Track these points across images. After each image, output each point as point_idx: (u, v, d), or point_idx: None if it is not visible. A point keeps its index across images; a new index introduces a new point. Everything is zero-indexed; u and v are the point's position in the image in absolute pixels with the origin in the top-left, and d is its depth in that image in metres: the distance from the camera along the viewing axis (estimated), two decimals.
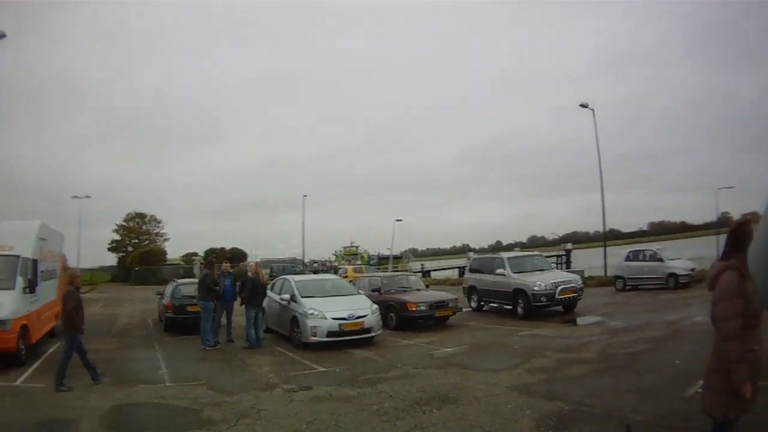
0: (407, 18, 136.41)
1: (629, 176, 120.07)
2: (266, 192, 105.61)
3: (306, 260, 46.27)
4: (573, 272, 18.37)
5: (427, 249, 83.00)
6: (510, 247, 47.42)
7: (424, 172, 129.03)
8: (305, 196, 43.17)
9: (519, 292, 11.97)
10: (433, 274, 41.63)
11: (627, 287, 17.17)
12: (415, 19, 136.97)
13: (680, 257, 17.63)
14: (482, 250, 35.72)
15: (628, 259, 17.62)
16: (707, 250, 24.14)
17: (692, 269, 16.43)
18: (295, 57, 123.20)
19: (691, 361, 6.04)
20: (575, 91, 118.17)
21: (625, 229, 73.57)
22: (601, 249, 24.74)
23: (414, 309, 10.86)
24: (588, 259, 27.46)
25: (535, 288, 11.60)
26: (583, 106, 23.53)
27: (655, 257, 16.78)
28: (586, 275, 21.27)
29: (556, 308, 12.15)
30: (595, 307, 13.05)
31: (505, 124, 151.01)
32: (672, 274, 15.98)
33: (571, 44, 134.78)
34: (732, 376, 2.40)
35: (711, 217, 39.79)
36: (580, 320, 11.54)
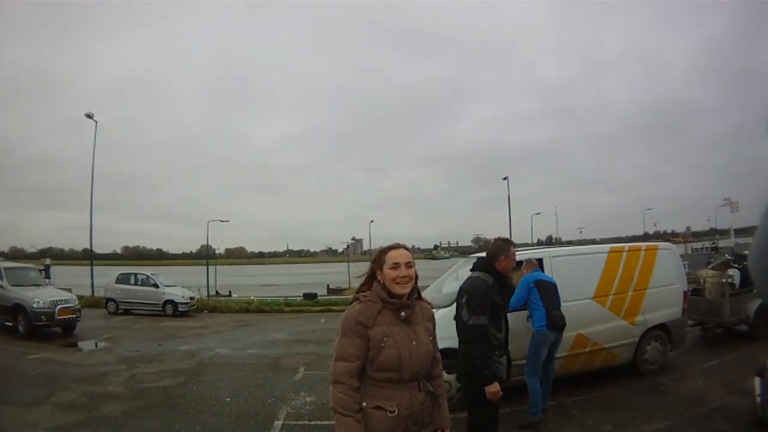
0: None
1: (107, 198, 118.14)
2: None
3: None
4: (63, 290, 15.02)
5: None
6: None
7: None
8: None
9: (18, 308, 10.41)
10: None
11: (120, 311, 15.70)
12: None
13: (176, 285, 17.70)
14: None
15: (118, 281, 16.30)
16: (196, 279, 26.51)
17: (191, 298, 16.88)
18: None
19: (241, 398, 5.84)
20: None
21: (100, 251, 70.58)
22: (82, 267, 22.09)
23: None
24: (70, 278, 23.60)
25: (35, 305, 10.31)
26: (89, 116, 20.67)
27: (148, 282, 16.20)
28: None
29: (56, 329, 10.22)
30: (94, 330, 11.25)
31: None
32: (170, 302, 15.77)
33: None
34: None
35: (189, 248, 44.12)
36: (83, 345, 9.85)
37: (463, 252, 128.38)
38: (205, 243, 38.94)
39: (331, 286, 42.52)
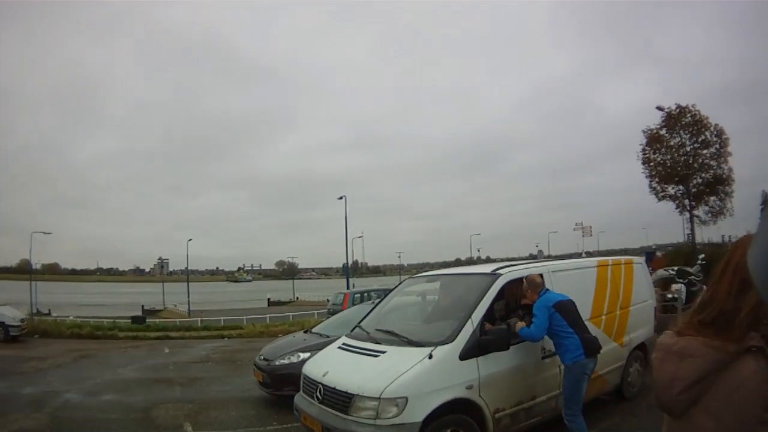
0: None
1: None
2: None
3: None
4: None
5: None
6: None
7: None
8: None
9: None
10: None
11: None
12: None
13: (5, 303, 15.42)
14: None
15: None
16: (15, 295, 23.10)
17: (22, 320, 14.20)
18: None
19: None
20: None
21: None
22: None
23: None
24: None
25: None
26: None
27: None
28: None
29: None
30: None
31: None
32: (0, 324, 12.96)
33: None
34: None
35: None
36: None
37: (266, 275, 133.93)
38: (26, 257, 37.41)
39: (145, 307, 41.46)
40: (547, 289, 4.23)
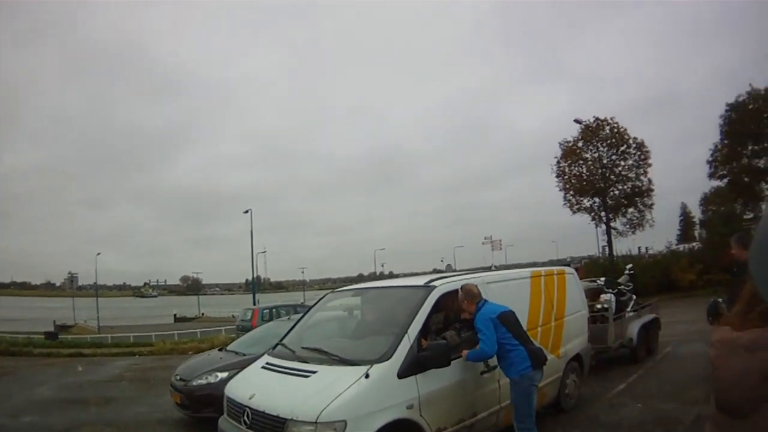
0: None
1: None
2: None
3: None
4: None
5: None
6: None
7: None
8: None
9: None
10: None
11: None
12: None
13: None
14: None
15: None
16: None
17: None
18: None
19: None
20: None
21: None
22: None
23: None
24: None
25: None
26: None
27: None
28: None
29: None
30: None
31: None
32: None
33: None
34: None
35: None
36: None
37: (171, 290, 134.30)
38: None
39: (57, 323, 41.27)
40: (486, 300, 4.10)
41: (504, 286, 4.67)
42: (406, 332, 3.76)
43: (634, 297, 8.37)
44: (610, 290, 7.74)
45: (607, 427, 4.87)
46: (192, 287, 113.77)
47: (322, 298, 5.50)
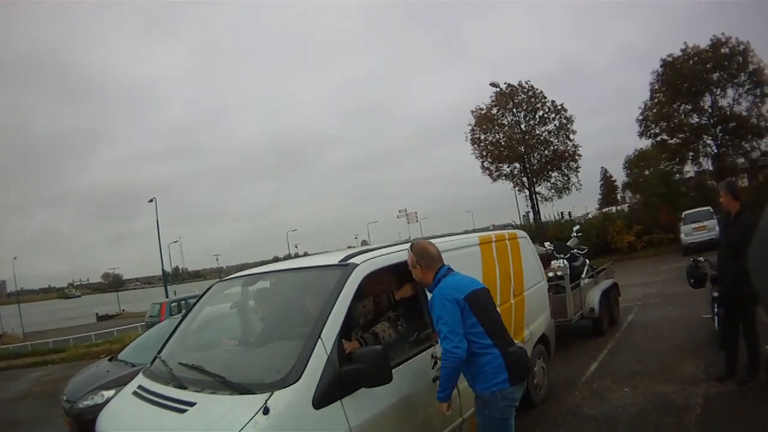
0: None
1: None
2: None
3: None
4: None
5: None
6: None
7: None
8: None
9: None
10: None
11: None
12: None
13: None
14: None
15: None
16: None
17: None
18: None
19: None
20: None
21: None
22: None
23: None
24: None
25: None
26: None
27: None
28: None
29: None
30: None
31: None
32: None
33: None
34: None
35: None
36: None
37: (95, 289, 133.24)
38: None
39: None
40: (449, 268, 2.73)
41: (451, 256, 3.27)
42: (320, 335, 2.35)
43: (587, 262, 7.54)
44: (562, 255, 6.80)
45: (600, 421, 3.79)
46: (113, 284, 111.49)
47: (209, 288, 3.89)
